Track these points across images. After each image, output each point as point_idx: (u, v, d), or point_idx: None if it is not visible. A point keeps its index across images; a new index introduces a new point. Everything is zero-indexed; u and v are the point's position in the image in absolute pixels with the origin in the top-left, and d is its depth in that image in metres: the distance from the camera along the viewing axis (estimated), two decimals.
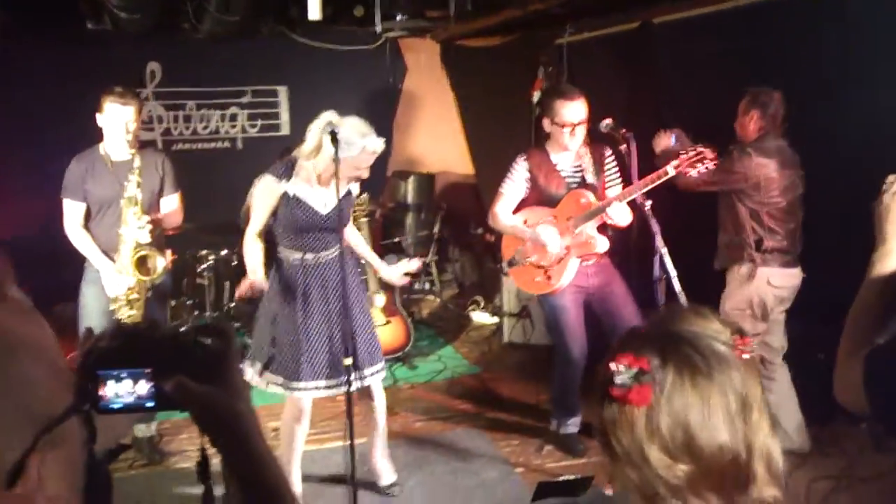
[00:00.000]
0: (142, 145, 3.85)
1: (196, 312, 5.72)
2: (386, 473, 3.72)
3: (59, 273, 4.03)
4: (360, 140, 3.14)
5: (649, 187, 3.51)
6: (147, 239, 3.65)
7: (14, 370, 0.66)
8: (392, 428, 4.06)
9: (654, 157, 3.82)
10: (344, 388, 3.20)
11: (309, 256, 3.34)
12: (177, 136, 6.86)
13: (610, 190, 3.95)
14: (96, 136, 3.74)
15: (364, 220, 5.07)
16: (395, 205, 7.01)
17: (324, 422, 4.27)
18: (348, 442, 3.02)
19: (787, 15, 4.14)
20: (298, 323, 3.32)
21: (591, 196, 3.85)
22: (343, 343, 3.06)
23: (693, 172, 3.48)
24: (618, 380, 1.01)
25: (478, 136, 7.35)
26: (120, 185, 3.65)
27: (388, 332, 5.25)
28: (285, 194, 3.25)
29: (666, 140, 4.04)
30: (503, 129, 6.67)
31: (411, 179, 7.08)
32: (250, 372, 3.37)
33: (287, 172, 3.27)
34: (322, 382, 3.34)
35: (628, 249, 4.54)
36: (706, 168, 3.46)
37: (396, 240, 6.90)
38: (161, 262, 3.74)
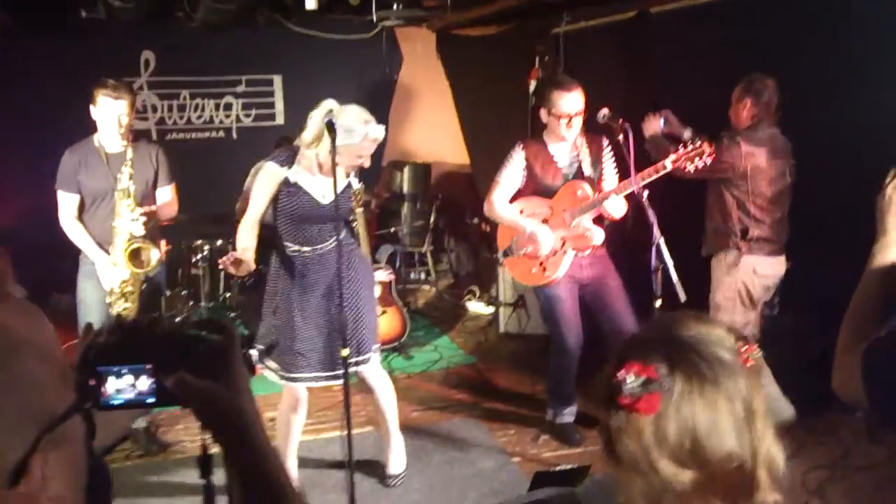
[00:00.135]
0: (136, 136, 3.82)
1: (191, 303, 5.71)
2: (394, 462, 3.72)
3: (55, 264, 4.02)
4: (361, 127, 3.13)
5: (646, 181, 3.51)
6: (141, 231, 3.63)
7: (16, 370, 0.65)
8: None
9: (643, 142, 3.81)
10: (340, 379, 3.19)
11: (307, 249, 3.32)
12: (171, 125, 6.83)
13: (607, 181, 3.94)
14: (91, 126, 3.71)
15: (359, 210, 5.04)
16: (391, 195, 7.00)
17: (321, 412, 4.28)
18: (345, 432, 3.02)
19: (785, 4, 4.12)
20: (296, 314, 3.32)
21: (587, 188, 3.84)
22: (340, 334, 3.05)
23: (690, 167, 3.49)
24: (626, 389, 1.02)
25: (473, 125, 7.33)
26: (114, 178, 3.63)
27: (384, 322, 5.24)
28: (286, 180, 3.23)
29: (655, 123, 4.04)
30: (499, 119, 6.65)
31: (407, 169, 7.07)
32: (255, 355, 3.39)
33: (289, 160, 3.25)
34: (320, 374, 3.34)
35: (624, 239, 4.55)
36: (704, 163, 3.47)
37: (392, 230, 6.90)
38: (155, 255, 3.72)
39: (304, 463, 3.72)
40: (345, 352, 3.02)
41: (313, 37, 6.88)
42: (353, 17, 6.54)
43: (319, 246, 3.32)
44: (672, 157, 3.50)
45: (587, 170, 3.90)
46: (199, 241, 5.65)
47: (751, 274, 3.82)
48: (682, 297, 3.45)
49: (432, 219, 6.98)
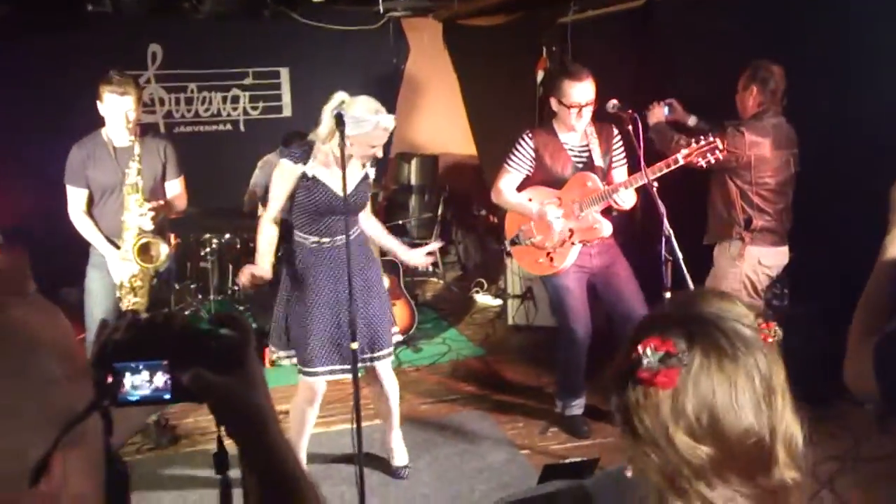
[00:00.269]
0: (144, 130, 3.83)
1: (200, 296, 5.73)
2: (399, 455, 3.75)
3: (64, 258, 4.03)
4: (371, 117, 3.14)
5: (657, 175, 3.50)
6: (150, 226, 3.64)
7: (36, 368, 0.66)
8: None
9: (646, 130, 3.80)
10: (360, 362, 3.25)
11: (326, 240, 3.33)
12: (178, 118, 6.83)
13: (616, 171, 3.93)
14: (98, 120, 3.72)
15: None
16: (399, 187, 7.00)
17: (330, 404, 4.27)
18: (355, 425, 3.03)
19: None
20: (312, 307, 3.33)
21: (597, 180, 3.82)
22: (350, 327, 3.06)
23: (702, 162, 3.48)
24: (645, 363, 1.01)
25: (481, 116, 7.31)
26: (122, 172, 3.64)
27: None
28: (304, 175, 3.25)
29: (659, 111, 4.03)
30: (506, 110, 6.63)
31: (414, 161, 7.06)
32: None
33: (304, 156, 3.26)
34: (337, 367, 3.35)
35: (633, 230, 4.53)
36: (717, 158, 3.46)
37: (400, 222, 6.89)
38: (164, 250, 3.73)
39: (313, 456, 3.73)
40: (354, 345, 3.02)
41: (320, 28, 6.86)
42: (359, 8, 6.54)
43: (339, 237, 3.33)
44: (685, 151, 3.49)
45: (597, 160, 3.88)
46: (208, 235, 5.66)
47: (756, 265, 3.82)
48: (692, 289, 3.44)
49: (440, 210, 6.97)
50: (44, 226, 4.31)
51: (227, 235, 5.69)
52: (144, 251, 3.68)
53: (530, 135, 3.93)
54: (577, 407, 4.13)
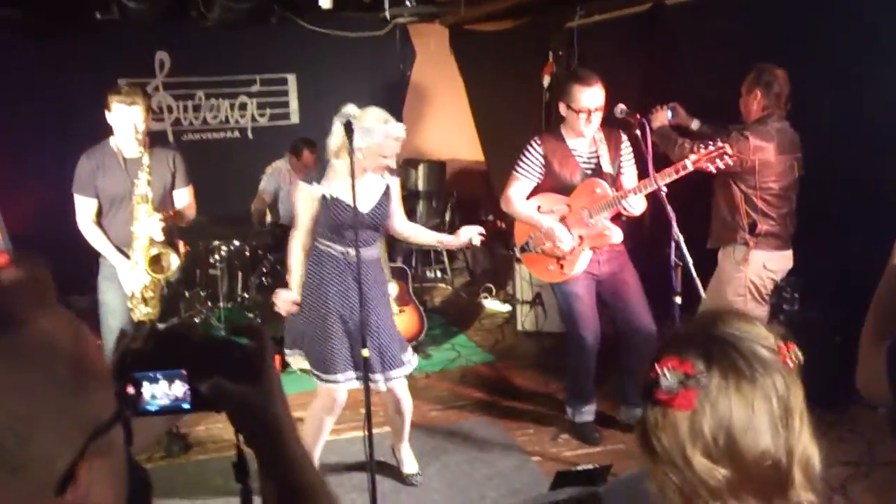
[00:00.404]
0: (153, 138, 3.82)
1: (210, 304, 5.74)
2: (409, 462, 3.74)
3: (73, 266, 4.03)
4: (381, 126, 3.14)
5: (667, 181, 3.50)
6: (160, 236, 3.64)
7: (61, 379, 0.66)
8: None
9: (650, 134, 3.80)
10: (375, 380, 3.31)
11: (351, 251, 3.28)
12: (187, 126, 6.86)
13: (625, 176, 3.92)
14: (107, 129, 3.72)
15: None
16: (406, 193, 6.96)
17: (341, 412, 4.27)
18: (366, 432, 3.02)
19: None
20: (332, 315, 3.33)
21: (606, 186, 3.81)
22: (361, 335, 3.06)
23: (711, 168, 3.48)
24: (663, 384, 1.01)
25: (488, 122, 7.32)
26: (132, 182, 3.63)
27: (402, 321, 5.23)
28: (323, 197, 3.28)
29: (662, 115, 4.03)
30: (513, 115, 6.63)
31: (421, 167, 7.07)
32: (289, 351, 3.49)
33: (317, 178, 3.30)
34: (354, 373, 3.35)
35: (642, 235, 4.52)
36: (726, 164, 3.46)
37: None
38: (175, 261, 3.73)
39: (324, 463, 3.72)
40: (365, 352, 3.02)
41: (327, 35, 6.89)
42: (366, 14, 6.55)
43: (365, 249, 3.32)
44: (693, 157, 3.49)
45: (606, 166, 3.86)
46: (217, 242, 5.67)
47: (760, 269, 3.79)
48: (703, 294, 3.44)
49: (448, 216, 6.97)
50: (52, 233, 4.33)
51: (236, 242, 5.71)
52: (155, 262, 3.68)
53: (539, 141, 3.91)
54: (588, 413, 4.12)
